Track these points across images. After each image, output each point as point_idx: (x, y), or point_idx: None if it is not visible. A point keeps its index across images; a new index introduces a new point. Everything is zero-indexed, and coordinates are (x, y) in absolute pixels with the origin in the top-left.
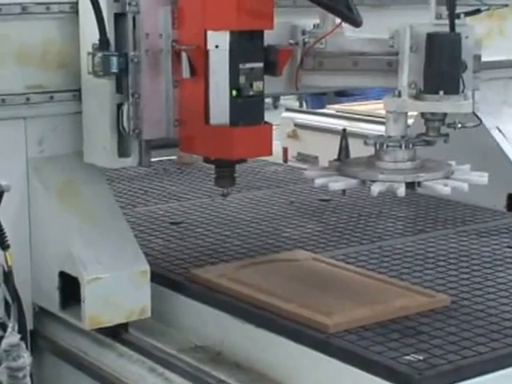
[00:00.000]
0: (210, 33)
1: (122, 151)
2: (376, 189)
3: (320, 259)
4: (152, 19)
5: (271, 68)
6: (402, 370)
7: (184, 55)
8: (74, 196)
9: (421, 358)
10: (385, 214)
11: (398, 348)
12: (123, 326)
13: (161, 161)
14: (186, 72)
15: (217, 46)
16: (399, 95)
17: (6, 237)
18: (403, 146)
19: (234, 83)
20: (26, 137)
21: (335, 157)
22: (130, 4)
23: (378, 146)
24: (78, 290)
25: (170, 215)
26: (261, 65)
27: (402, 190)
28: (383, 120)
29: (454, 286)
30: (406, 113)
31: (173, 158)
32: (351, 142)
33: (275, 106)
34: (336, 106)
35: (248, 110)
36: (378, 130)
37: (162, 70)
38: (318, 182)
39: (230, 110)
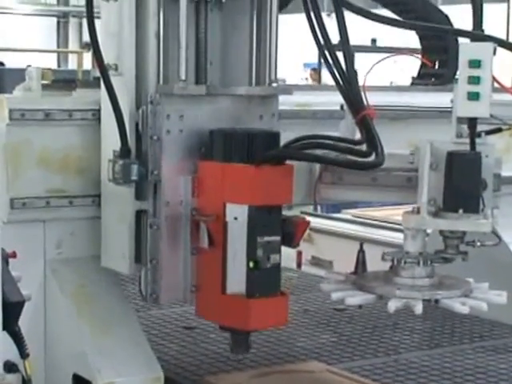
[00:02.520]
0: (228, 205)
1: (140, 258)
2: (393, 305)
3: (334, 371)
4: (173, 187)
5: (288, 239)
6: None
7: (203, 225)
8: (88, 300)
9: None
10: (400, 325)
11: None
12: None
13: None
14: (204, 241)
15: (235, 218)
16: (418, 212)
17: (25, 345)
18: (421, 262)
19: (251, 255)
20: (44, 239)
21: (350, 262)
22: (152, 173)
23: (395, 262)
24: None
25: (184, 319)
26: (278, 238)
27: (419, 308)
28: (399, 227)
29: None
30: (425, 229)
31: None
32: (366, 248)
33: (289, 207)
34: (351, 211)
35: (265, 281)
36: (394, 236)
37: (180, 237)
38: (335, 296)
39: (247, 282)
